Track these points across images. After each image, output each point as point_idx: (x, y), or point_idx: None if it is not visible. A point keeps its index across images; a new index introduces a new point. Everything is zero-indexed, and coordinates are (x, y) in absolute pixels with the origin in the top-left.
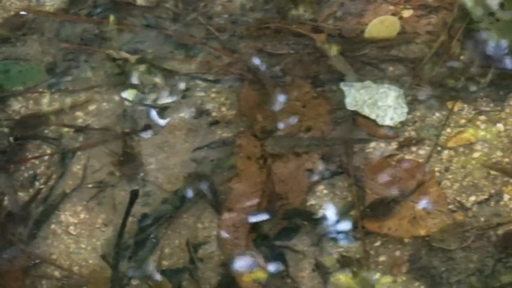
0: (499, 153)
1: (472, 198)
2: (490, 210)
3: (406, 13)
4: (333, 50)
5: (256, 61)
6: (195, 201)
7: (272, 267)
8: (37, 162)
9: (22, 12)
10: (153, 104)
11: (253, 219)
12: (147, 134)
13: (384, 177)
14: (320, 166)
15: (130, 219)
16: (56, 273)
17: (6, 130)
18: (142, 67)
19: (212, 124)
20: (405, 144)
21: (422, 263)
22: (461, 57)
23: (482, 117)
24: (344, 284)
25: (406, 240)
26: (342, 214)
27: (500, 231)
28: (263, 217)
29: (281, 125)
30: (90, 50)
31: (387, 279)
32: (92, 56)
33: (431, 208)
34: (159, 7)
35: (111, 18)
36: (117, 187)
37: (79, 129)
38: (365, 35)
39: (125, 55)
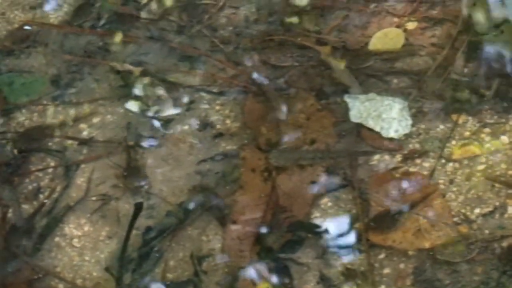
0: (503, 166)
1: (477, 211)
2: (494, 223)
3: (411, 26)
4: (339, 63)
5: (261, 73)
6: (200, 214)
7: (276, 280)
8: (41, 174)
9: (26, 27)
10: (157, 117)
11: (258, 231)
12: (151, 147)
13: (388, 190)
14: (325, 179)
15: (134, 231)
16: (60, 286)
17: (10, 142)
18: (146, 80)
19: (216, 136)
20: (409, 157)
21: (426, 275)
22: (466, 70)
23: (487, 130)
24: None
25: (410, 253)
26: (347, 227)
27: (505, 244)
28: (268, 229)
29: (285, 138)
30: (94, 62)
31: None
32: (96, 68)
33: (435, 220)
34: (163, 19)
35: (118, 35)
36: (121, 200)
37: (83, 142)
38: (369, 47)
39: (129, 67)
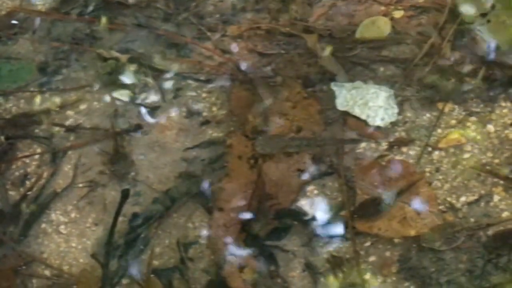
0: (489, 154)
1: (463, 199)
2: (480, 211)
3: (397, 14)
4: (325, 50)
5: (247, 61)
6: (186, 201)
7: (262, 267)
8: (28, 161)
9: (13, 21)
10: (144, 104)
11: (244, 219)
12: (138, 134)
13: (374, 178)
14: (311, 167)
15: (120, 218)
16: (47, 272)
17: None
18: (133, 67)
19: (203, 124)
20: (395, 145)
21: (412, 263)
22: (452, 58)
23: (473, 118)
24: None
25: (396, 241)
26: (333, 214)
27: (490, 232)
28: (254, 217)
29: (271, 125)
30: (81, 49)
31: (377, 279)
32: (83, 55)
33: (421, 208)
34: (150, 6)
35: (103, 19)
36: (107, 187)
37: (70, 129)
38: (356, 35)
39: (116, 54)
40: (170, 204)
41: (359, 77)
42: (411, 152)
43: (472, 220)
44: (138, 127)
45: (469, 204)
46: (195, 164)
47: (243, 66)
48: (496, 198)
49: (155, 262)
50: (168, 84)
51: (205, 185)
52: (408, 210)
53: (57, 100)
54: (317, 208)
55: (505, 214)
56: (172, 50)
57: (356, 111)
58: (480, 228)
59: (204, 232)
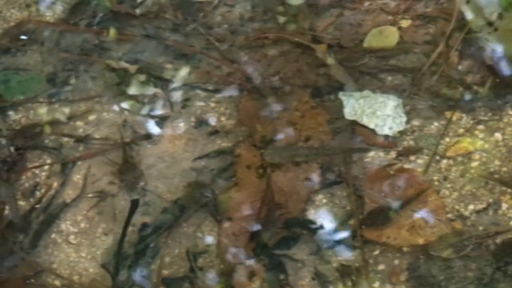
0: (497, 162)
1: (471, 207)
2: (488, 219)
3: (405, 23)
4: (332, 60)
5: (255, 71)
6: (195, 210)
7: (271, 276)
8: (37, 171)
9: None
10: (152, 114)
11: (253, 228)
12: (147, 144)
13: (383, 186)
14: (319, 176)
15: (130, 228)
16: (57, 282)
17: (6, 140)
18: (142, 77)
19: (211, 133)
20: (403, 153)
21: (420, 271)
22: (460, 67)
23: (481, 127)
24: None
25: (405, 249)
26: (342, 223)
27: (499, 240)
28: (263, 226)
29: (280, 135)
30: (89, 60)
31: (386, 287)
32: (91, 66)
33: (429, 217)
34: (158, 17)
35: (112, 30)
36: (117, 197)
37: (79, 139)
38: (364, 45)
39: (124, 65)
40: (180, 213)
41: (367, 86)
42: (419, 161)
43: (480, 228)
44: (147, 137)
45: (478, 212)
46: (204, 174)
47: (251, 76)
48: (504, 206)
49: (165, 272)
50: (177, 94)
51: (214, 194)
52: (417, 218)
53: (66, 110)
54: (326, 217)
55: None
56: (181, 61)
57: (364, 120)
58: (489, 236)
59: (214, 241)
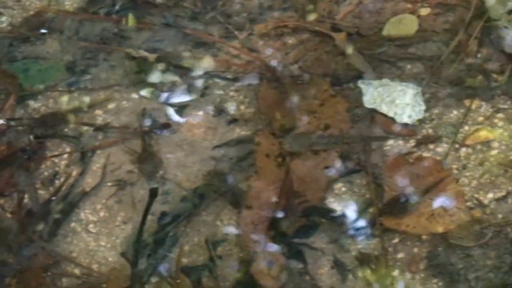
0: None
1: (490, 195)
2: (507, 207)
3: (424, 11)
4: (350, 48)
5: (275, 59)
6: (214, 199)
7: (291, 264)
8: (57, 160)
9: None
10: (172, 103)
11: (272, 216)
12: (166, 133)
13: (402, 175)
14: (338, 164)
15: (149, 217)
16: (76, 271)
17: (26, 129)
18: (161, 66)
19: (231, 122)
20: (423, 142)
21: (440, 260)
22: (479, 55)
23: (500, 115)
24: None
25: (424, 237)
26: (361, 212)
27: None
28: (282, 214)
29: (299, 123)
30: (109, 48)
31: (405, 275)
32: (111, 54)
33: (449, 205)
34: (177, 5)
35: (130, 17)
36: (136, 185)
37: (98, 128)
38: (383, 33)
39: (144, 53)
40: (199, 202)
41: (386, 74)
42: (439, 149)
43: (499, 216)
44: (166, 126)
45: (497, 200)
46: (223, 162)
47: (271, 64)
48: None
49: (184, 260)
50: (196, 83)
51: (234, 183)
52: (436, 207)
53: (86, 99)
54: (345, 205)
55: None
56: (200, 49)
57: (384, 109)
58: (508, 224)
59: (233, 230)
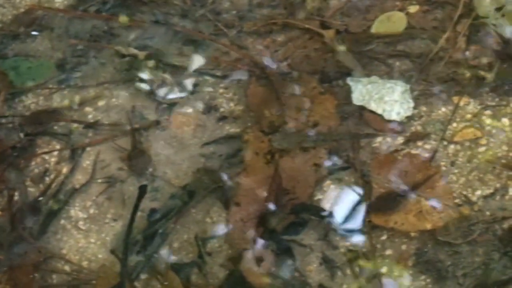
0: (504, 148)
1: (478, 192)
2: (495, 204)
3: (412, 9)
4: (341, 46)
5: (264, 57)
6: (204, 196)
7: (279, 261)
8: (47, 157)
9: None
10: (161, 100)
11: (261, 213)
12: (155, 130)
13: (390, 172)
14: (327, 161)
15: (139, 214)
16: (66, 268)
17: (16, 126)
18: (151, 63)
19: (220, 119)
20: (411, 139)
21: (428, 256)
22: (467, 52)
23: (488, 112)
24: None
25: (412, 234)
26: (349, 209)
27: (506, 225)
28: (271, 211)
29: (288, 120)
30: (99, 46)
31: (394, 272)
32: (101, 52)
33: (437, 202)
34: (167, 3)
35: (122, 16)
36: (126, 182)
37: (88, 125)
38: (372, 30)
39: (134, 51)
40: (188, 199)
41: (375, 72)
42: (427, 146)
43: (487, 213)
44: (156, 123)
45: (485, 197)
46: (212, 160)
47: (260, 61)
48: (511, 191)
49: (173, 257)
50: (186, 80)
51: (223, 180)
52: (424, 204)
53: (76, 97)
54: (334, 202)
55: None
56: (190, 47)
57: (372, 106)
58: (496, 221)
59: (222, 227)
